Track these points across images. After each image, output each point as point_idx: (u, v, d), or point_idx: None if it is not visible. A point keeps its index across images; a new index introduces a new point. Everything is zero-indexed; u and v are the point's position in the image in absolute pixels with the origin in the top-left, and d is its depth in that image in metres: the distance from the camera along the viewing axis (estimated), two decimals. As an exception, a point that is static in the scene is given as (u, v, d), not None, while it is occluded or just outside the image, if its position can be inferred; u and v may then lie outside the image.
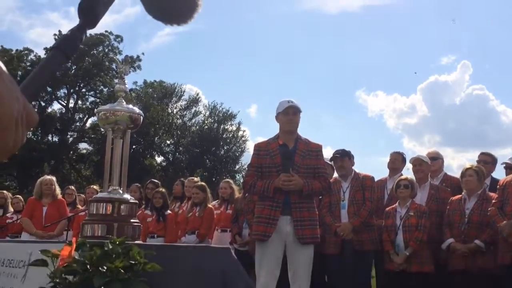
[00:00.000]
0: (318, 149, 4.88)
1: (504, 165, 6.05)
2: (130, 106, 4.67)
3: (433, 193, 6.03)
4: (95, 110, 4.74)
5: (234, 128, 37.38)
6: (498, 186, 5.28)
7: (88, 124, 35.42)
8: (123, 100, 4.58)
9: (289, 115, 4.79)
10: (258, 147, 4.96)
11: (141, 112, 4.66)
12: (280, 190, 4.63)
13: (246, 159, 36.64)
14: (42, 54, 33.51)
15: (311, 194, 4.74)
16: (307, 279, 4.65)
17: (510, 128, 47.17)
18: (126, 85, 4.70)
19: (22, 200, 8.97)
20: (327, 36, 57.48)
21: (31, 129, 0.92)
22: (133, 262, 2.96)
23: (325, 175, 4.86)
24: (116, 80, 4.75)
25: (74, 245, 2.98)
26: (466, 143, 49.00)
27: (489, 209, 5.19)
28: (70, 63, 34.03)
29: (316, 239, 4.79)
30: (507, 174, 5.69)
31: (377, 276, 6.83)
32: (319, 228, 4.95)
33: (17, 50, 33.20)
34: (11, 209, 9.24)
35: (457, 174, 6.31)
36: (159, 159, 37.94)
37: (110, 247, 3.01)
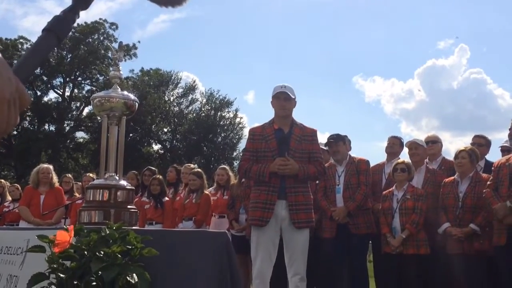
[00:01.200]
0: (313, 133, 4.91)
1: (501, 147, 6.07)
2: (125, 92, 4.66)
3: (429, 177, 6.05)
4: (91, 97, 4.72)
5: (231, 115, 37.37)
6: (492, 168, 5.30)
7: (84, 113, 35.35)
8: (118, 87, 4.57)
9: (280, 100, 4.83)
10: (253, 132, 4.98)
11: (136, 98, 4.65)
12: (276, 174, 4.66)
13: (243, 146, 36.53)
14: (37, 43, 33.34)
15: (306, 179, 4.78)
16: (303, 263, 4.69)
17: (508, 111, 47.31)
18: (121, 72, 4.69)
19: (20, 188, 8.98)
20: (325, 22, 57.33)
21: (25, 109, 0.92)
22: (130, 247, 2.98)
23: (320, 160, 4.88)
24: (111, 68, 4.73)
25: (72, 233, 3.00)
26: (464, 127, 49.13)
27: (483, 191, 5.22)
28: (65, 52, 33.93)
29: (311, 223, 4.84)
30: (503, 156, 5.70)
31: (374, 259, 6.88)
32: (314, 213, 4.99)
33: (10, 39, 32.98)
34: (8, 197, 9.27)
35: (455, 158, 6.31)
36: (156, 147, 37.97)
37: (107, 232, 3.02)
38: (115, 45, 4.67)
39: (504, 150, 5.93)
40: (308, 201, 4.80)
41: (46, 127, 34.65)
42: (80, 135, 36.15)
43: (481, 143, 6.21)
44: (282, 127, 4.86)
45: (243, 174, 5.37)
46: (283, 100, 4.82)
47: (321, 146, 6.71)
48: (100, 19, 34.67)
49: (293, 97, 4.88)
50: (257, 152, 4.83)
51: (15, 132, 34.10)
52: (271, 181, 4.67)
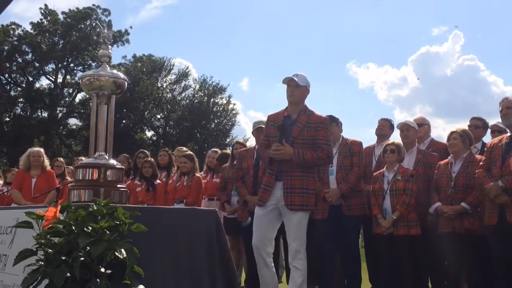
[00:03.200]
0: (319, 121, 4.99)
1: (491, 128, 6.07)
2: (115, 71, 4.62)
3: (420, 158, 6.06)
4: (80, 76, 4.69)
5: (225, 102, 37.30)
6: (485, 149, 5.31)
7: (77, 99, 35.20)
8: (107, 66, 4.53)
9: (289, 87, 5.00)
10: (269, 118, 5.23)
11: (125, 77, 4.61)
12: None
13: (236, 132, 36.60)
14: (28, 28, 33.15)
15: (302, 164, 4.87)
16: (299, 241, 4.86)
17: (501, 98, 47.25)
18: (110, 51, 4.64)
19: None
20: (319, 9, 57.06)
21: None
22: (118, 222, 2.95)
23: (323, 146, 4.94)
24: (100, 46, 4.67)
25: (59, 207, 2.98)
26: (457, 113, 49.19)
27: (476, 171, 5.23)
28: (57, 38, 33.67)
29: (307, 207, 4.92)
30: (493, 137, 5.71)
31: (365, 240, 6.89)
32: (314, 197, 5.05)
33: (2, 25, 32.69)
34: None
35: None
36: (149, 133, 37.90)
37: (95, 208, 3.00)
38: (107, 32, 4.61)
39: (495, 131, 5.92)
40: (306, 186, 4.90)
41: (39, 113, 34.47)
42: (73, 121, 36.07)
43: (478, 125, 6.21)
44: (291, 113, 5.04)
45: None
46: (291, 87, 4.98)
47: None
48: (93, 5, 34.48)
49: (302, 84, 4.99)
50: (269, 137, 5.07)
51: (7, 119, 33.97)
52: (272, 164, 4.93)
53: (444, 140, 6.15)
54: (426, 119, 6.77)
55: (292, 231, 4.89)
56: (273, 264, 5.07)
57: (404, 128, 6.22)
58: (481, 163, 5.24)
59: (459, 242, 5.34)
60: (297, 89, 4.98)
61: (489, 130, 6.17)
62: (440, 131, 47.97)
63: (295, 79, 4.94)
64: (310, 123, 4.96)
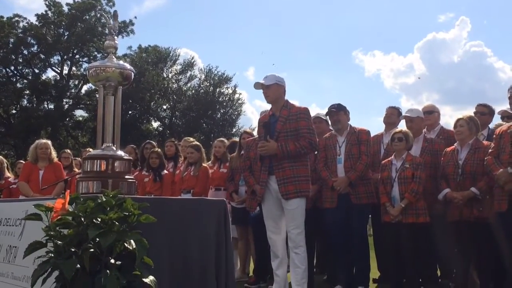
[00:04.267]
0: (299, 112, 5.27)
1: (501, 114, 6.03)
2: (121, 62, 4.59)
3: (427, 145, 6.04)
4: (86, 67, 4.67)
5: (230, 91, 37.22)
6: (494, 136, 5.27)
7: (83, 91, 35.23)
8: (114, 56, 4.50)
9: (263, 90, 5.36)
10: (259, 120, 5.64)
11: (132, 68, 4.58)
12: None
13: (242, 122, 36.58)
14: (33, 20, 33.15)
15: (287, 156, 5.18)
16: (297, 228, 5.15)
17: (508, 84, 46.76)
18: (116, 41, 4.61)
19: None
20: (323, -4, 56.66)
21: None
22: (127, 213, 2.95)
23: (305, 135, 5.21)
24: (106, 37, 4.65)
25: (68, 198, 2.97)
26: (464, 100, 49.03)
27: (485, 158, 5.19)
28: (62, 30, 33.66)
29: (302, 193, 5.19)
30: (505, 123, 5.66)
31: (374, 229, 6.88)
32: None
33: (7, 17, 32.69)
34: (7, 174, 9.26)
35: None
36: (155, 124, 37.91)
37: (104, 199, 2.99)
38: (113, 23, 4.59)
39: (505, 116, 5.87)
40: (297, 174, 5.21)
41: (45, 105, 34.54)
42: (79, 113, 36.12)
43: (484, 112, 6.16)
44: (275, 111, 5.40)
45: None
46: (264, 90, 5.34)
47: (321, 117, 6.71)
48: (97, -4, 34.35)
49: (271, 83, 5.30)
50: (260, 137, 5.42)
51: (14, 111, 34.06)
52: (264, 161, 5.32)
53: (451, 127, 6.12)
54: (435, 107, 6.73)
55: (291, 219, 5.17)
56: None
57: (407, 119, 6.23)
58: (490, 150, 5.21)
59: (468, 229, 5.32)
60: (268, 89, 5.31)
61: (497, 116, 6.13)
62: (447, 118, 47.86)
63: (262, 81, 5.30)
64: (291, 116, 5.26)
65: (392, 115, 6.79)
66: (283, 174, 5.18)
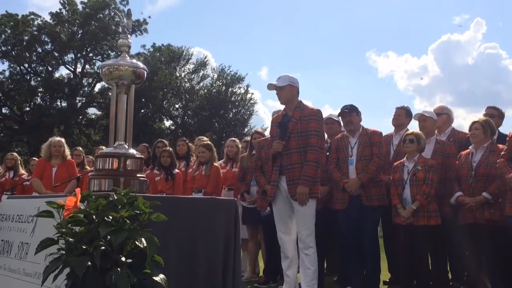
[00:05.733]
0: (310, 114, 5.30)
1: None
2: (134, 60, 4.61)
3: (438, 147, 6.00)
4: (99, 65, 4.69)
5: (243, 91, 37.23)
6: (507, 138, 5.23)
7: (96, 89, 35.42)
8: (127, 55, 4.52)
9: (276, 91, 5.38)
10: (272, 120, 5.72)
11: (145, 66, 4.60)
12: (279, 154, 5.29)
13: (255, 121, 36.57)
14: (48, 18, 33.36)
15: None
16: (307, 229, 5.18)
17: (523, 87, 46.66)
18: (130, 40, 4.63)
19: None
20: (337, -3, 56.52)
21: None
22: (138, 212, 2.96)
23: (311, 137, 5.22)
24: (120, 36, 4.67)
25: (79, 196, 2.98)
26: (478, 103, 48.69)
27: (497, 161, 5.17)
28: (76, 28, 33.87)
29: (310, 194, 5.17)
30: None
31: (384, 231, 6.85)
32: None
33: (22, 15, 32.93)
34: (21, 170, 9.33)
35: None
36: (168, 123, 37.99)
37: (115, 197, 3.00)
38: (127, 21, 4.61)
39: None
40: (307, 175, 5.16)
41: (58, 103, 34.75)
42: (92, 111, 36.31)
43: (494, 114, 6.13)
44: (287, 111, 5.44)
45: None
46: (277, 91, 5.37)
47: (333, 118, 6.68)
48: (111, -6, 34.52)
49: (284, 85, 5.32)
50: (273, 137, 5.47)
51: (27, 108, 34.31)
52: (276, 161, 5.33)
53: (465, 129, 6.08)
54: (445, 108, 6.68)
55: (301, 219, 5.19)
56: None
57: (421, 119, 6.18)
58: (502, 153, 5.18)
59: (480, 232, 5.29)
60: (281, 90, 5.34)
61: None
62: (461, 120, 47.67)
63: (275, 83, 5.32)
64: (303, 117, 5.29)
65: (400, 116, 6.73)
66: (293, 175, 5.19)
